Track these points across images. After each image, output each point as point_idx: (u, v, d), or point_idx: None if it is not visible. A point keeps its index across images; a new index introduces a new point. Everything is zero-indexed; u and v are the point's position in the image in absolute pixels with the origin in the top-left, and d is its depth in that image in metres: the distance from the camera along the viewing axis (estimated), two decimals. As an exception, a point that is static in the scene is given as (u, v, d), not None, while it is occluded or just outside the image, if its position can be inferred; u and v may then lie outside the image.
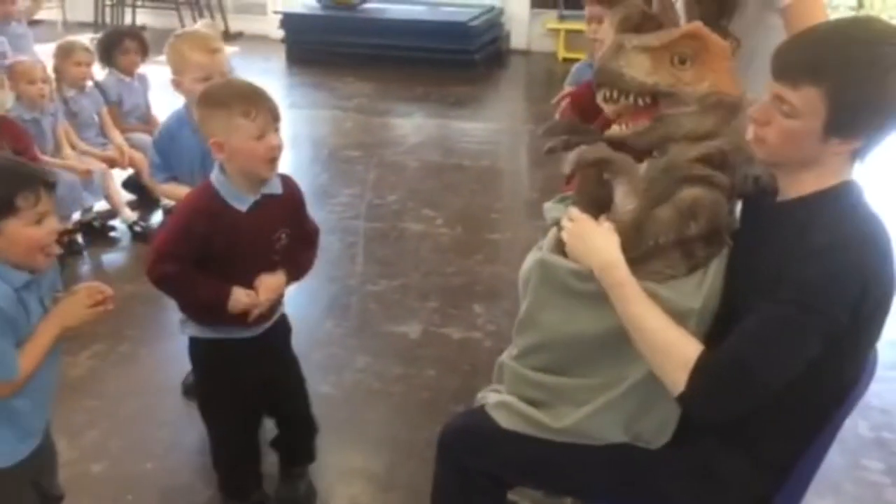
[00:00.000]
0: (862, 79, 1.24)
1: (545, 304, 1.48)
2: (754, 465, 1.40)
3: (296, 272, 2.00)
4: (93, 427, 2.45)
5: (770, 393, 1.29)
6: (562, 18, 7.48)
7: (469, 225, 3.95)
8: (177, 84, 2.29)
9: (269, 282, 1.90)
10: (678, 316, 1.37)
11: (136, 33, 4.37)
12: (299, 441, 2.22)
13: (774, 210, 1.41)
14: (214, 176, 1.85)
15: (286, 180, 1.96)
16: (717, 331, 1.38)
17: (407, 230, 3.93)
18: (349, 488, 2.29)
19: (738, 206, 1.54)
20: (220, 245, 1.82)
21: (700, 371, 1.28)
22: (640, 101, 1.45)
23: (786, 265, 1.28)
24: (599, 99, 1.50)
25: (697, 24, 1.47)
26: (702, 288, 1.41)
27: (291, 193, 1.96)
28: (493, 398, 1.55)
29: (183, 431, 2.44)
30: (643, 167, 1.49)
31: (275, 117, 1.82)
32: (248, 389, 1.98)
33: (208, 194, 1.84)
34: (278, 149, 1.82)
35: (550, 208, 1.64)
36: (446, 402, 2.56)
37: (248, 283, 1.87)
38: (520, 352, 1.55)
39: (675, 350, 1.32)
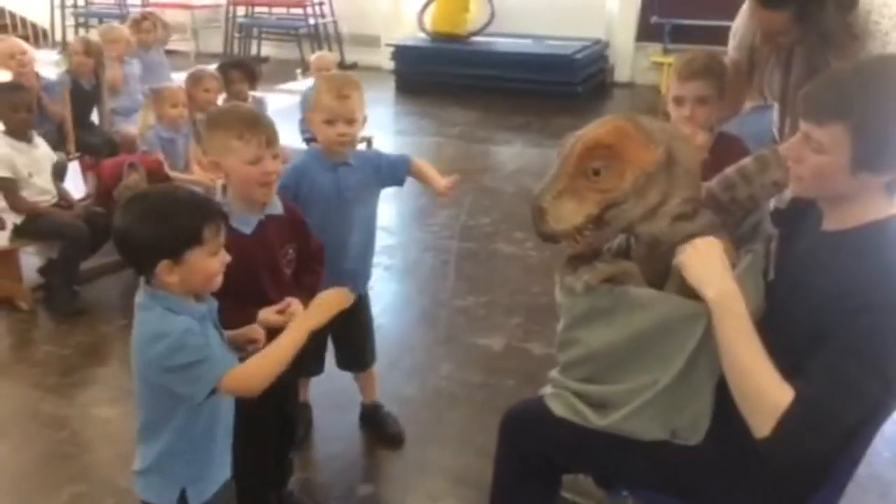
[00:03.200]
0: (884, 112, 1.34)
1: (576, 323, 1.63)
2: (790, 466, 1.47)
3: (309, 298, 1.99)
4: (203, 411, 2.72)
5: (846, 431, 1.37)
6: (666, 52, 7.55)
7: (557, 249, 3.95)
8: (308, 121, 2.36)
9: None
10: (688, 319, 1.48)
11: (242, 63, 4.77)
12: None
13: (823, 239, 1.51)
14: (219, 201, 1.89)
15: (284, 202, 2.03)
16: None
17: (498, 251, 4.11)
18: (426, 481, 2.46)
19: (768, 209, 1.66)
20: (234, 269, 1.75)
21: (784, 423, 1.34)
22: (586, 231, 1.53)
23: (849, 303, 1.35)
24: None
25: (589, 137, 1.50)
26: None
27: (292, 213, 2.03)
28: (551, 390, 1.71)
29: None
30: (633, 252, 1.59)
31: (269, 143, 1.86)
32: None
33: None
34: (273, 174, 1.88)
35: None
36: (522, 409, 2.70)
37: (267, 300, 1.88)
38: (562, 367, 1.71)
39: (766, 396, 1.37)
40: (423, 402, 2.83)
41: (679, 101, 2.17)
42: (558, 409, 1.65)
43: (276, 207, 1.98)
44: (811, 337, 1.40)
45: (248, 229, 1.90)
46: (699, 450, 1.56)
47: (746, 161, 1.66)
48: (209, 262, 1.52)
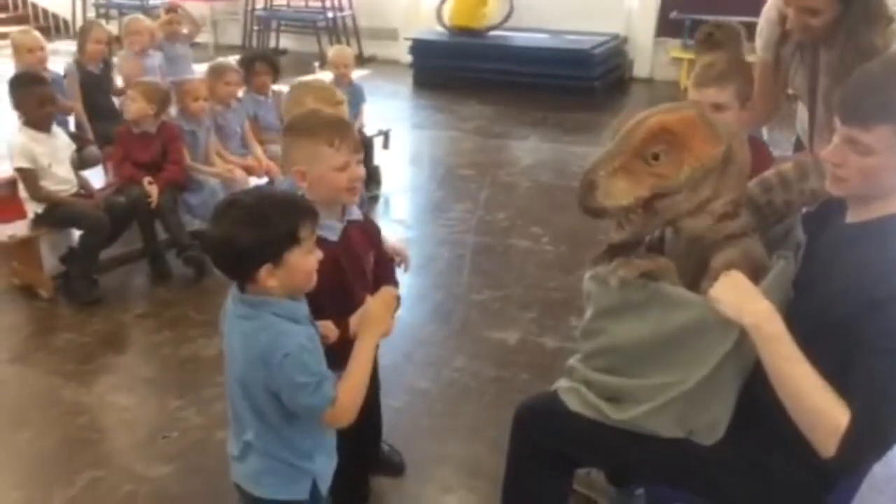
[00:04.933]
0: None
1: (605, 313, 1.62)
2: (803, 465, 1.47)
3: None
4: (221, 400, 2.74)
5: None
6: (686, 47, 7.51)
7: (574, 243, 4.10)
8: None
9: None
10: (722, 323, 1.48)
11: (266, 56, 4.79)
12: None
13: (846, 230, 1.50)
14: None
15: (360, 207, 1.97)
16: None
17: (513, 246, 4.12)
18: (440, 472, 2.48)
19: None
20: (329, 279, 1.69)
21: (848, 442, 1.35)
22: (632, 214, 1.53)
23: (874, 295, 1.35)
24: None
25: (656, 121, 1.49)
26: None
27: (368, 219, 1.96)
28: (566, 384, 1.71)
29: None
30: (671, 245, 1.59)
31: (356, 148, 1.83)
32: None
33: None
34: (360, 179, 1.83)
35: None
36: (535, 403, 2.71)
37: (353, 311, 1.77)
38: (584, 355, 1.71)
39: (825, 416, 1.37)
40: (437, 395, 2.85)
41: None
42: (573, 403, 1.66)
43: (355, 213, 1.91)
44: (833, 327, 1.40)
45: (333, 236, 1.82)
46: (715, 448, 1.56)
47: (786, 166, 1.65)
48: (307, 261, 1.52)
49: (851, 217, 1.51)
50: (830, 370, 1.39)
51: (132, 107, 3.72)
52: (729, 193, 1.52)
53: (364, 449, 2.17)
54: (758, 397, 1.52)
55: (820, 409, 1.38)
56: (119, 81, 4.78)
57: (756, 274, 1.52)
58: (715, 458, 1.56)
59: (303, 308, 1.58)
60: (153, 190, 3.66)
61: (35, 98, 3.49)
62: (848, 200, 1.51)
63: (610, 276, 1.54)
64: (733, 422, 1.56)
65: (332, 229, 1.81)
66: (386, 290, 1.67)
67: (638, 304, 1.55)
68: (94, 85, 4.62)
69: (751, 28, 2.29)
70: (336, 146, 1.77)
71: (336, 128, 1.80)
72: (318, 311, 1.66)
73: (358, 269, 1.85)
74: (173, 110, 4.07)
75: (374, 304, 1.65)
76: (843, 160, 1.43)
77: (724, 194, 1.52)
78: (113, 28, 8.39)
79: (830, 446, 1.37)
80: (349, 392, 1.54)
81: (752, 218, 1.56)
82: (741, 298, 1.46)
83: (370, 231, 1.96)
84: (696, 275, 1.55)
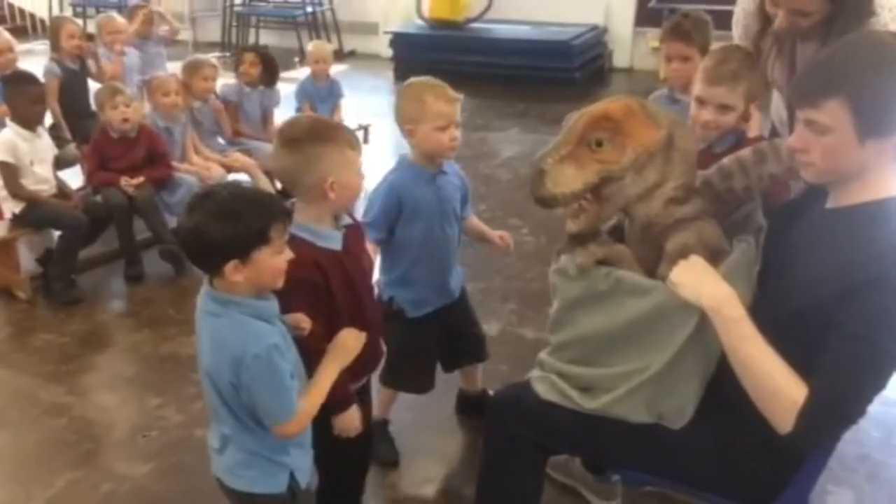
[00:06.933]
0: (872, 76, 1.35)
1: (570, 305, 1.65)
2: (769, 447, 1.49)
3: None
4: (200, 398, 2.73)
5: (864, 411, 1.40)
6: (665, 37, 7.52)
7: (554, 235, 4.10)
8: (411, 133, 2.19)
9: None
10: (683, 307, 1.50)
11: (258, 50, 4.78)
12: None
13: (825, 216, 1.51)
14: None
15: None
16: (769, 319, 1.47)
17: (494, 237, 4.12)
18: (420, 462, 2.49)
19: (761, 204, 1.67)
20: (343, 291, 1.74)
21: (805, 417, 1.37)
22: (583, 201, 1.58)
23: (850, 281, 1.36)
24: None
25: (597, 109, 1.55)
26: None
27: (356, 221, 1.93)
28: (538, 373, 1.74)
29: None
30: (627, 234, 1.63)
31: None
32: None
33: (298, 249, 1.62)
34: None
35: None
36: (515, 394, 2.72)
37: (364, 315, 1.80)
38: (553, 348, 1.74)
39: (783, 394, 1.39)
40: (418, 387, 2.85)
41: (701, 102, 1.96)
42: (545, 392, 1.68)
43: (346, 217, 1.87)
44: (807, 313, 1.41)
45: (336, 245, 1.77)
46: (684, 432, 1.58)
47: (744, 152, 1.67)
48: (275, 261, 1.51)
49: (831, 202, 1.52)
50: (798, 355, 1.40)
51: (129, 113, 3.69)
52: (676, 179, 1.56)
53: (359, 462, 2.17)
54: (725, 381, 1.54)
55: (778, 385, 1.40)
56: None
57: (713, 257, 1.54)
58: (684, 442, 1.59)
59: (272, 306, 1.58)
60: (135, 182, 3.66)
61: (29, 97, 3.49)
62: (828, 186, 1.52)
63: (569, 265, 1.57)
64: (702, 406, 1.59)
65: (334, 239, 1.76)
66: (358, 333, 1.73)
67: (601, 295, 1.58)
68: (75, 82, 4.59)
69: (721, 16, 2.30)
70: (356, 149, 1.75)
71: (349, 131, 1.79)
72: (337, 326, 1.72)
73: (360, 272, 1.84)
74: (147, 108, 4.06)
75: (349, 336, 1.71)
76: (806, 145, 1.44)
77: (671, 179, 1.56)
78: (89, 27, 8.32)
79: (787, 422, 1.39)
80: (306, 411, 1.59)
81: (707, 204, 1.58)
82: (700, 282, 1.48)
83: (359, 230, 1.92)
84: (654, 260, 1.58)
